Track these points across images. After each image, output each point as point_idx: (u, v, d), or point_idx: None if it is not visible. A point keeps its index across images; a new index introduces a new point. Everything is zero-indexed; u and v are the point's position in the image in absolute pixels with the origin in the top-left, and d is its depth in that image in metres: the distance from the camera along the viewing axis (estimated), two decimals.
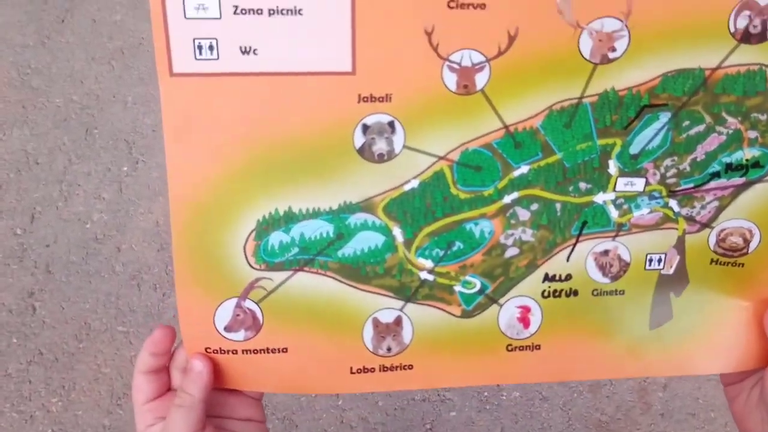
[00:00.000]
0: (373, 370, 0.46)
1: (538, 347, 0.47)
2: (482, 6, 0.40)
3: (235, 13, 0.39)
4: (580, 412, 1.19)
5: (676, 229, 0.46)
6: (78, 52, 1.28)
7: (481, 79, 0.42)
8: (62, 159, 1.26)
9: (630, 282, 0.47)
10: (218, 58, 0.39)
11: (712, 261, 0.47)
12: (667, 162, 0.44)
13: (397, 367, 0.46)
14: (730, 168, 0.45)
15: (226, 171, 0.42)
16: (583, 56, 0.42)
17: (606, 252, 0.46)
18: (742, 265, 0.47)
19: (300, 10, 0.39)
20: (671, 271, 0.47)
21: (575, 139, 0.44)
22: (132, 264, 1.18)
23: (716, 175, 0.45)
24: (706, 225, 0.46)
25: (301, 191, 0.43)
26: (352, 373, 0.46)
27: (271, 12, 0.39)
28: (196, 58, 0.39)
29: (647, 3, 0.41)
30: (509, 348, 0.47)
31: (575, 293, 0.47)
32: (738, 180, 0.45)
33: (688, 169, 0.45)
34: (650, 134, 0.44)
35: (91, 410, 1.21)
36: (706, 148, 0.44)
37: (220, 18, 0.39)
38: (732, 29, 0.42)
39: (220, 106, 0.40)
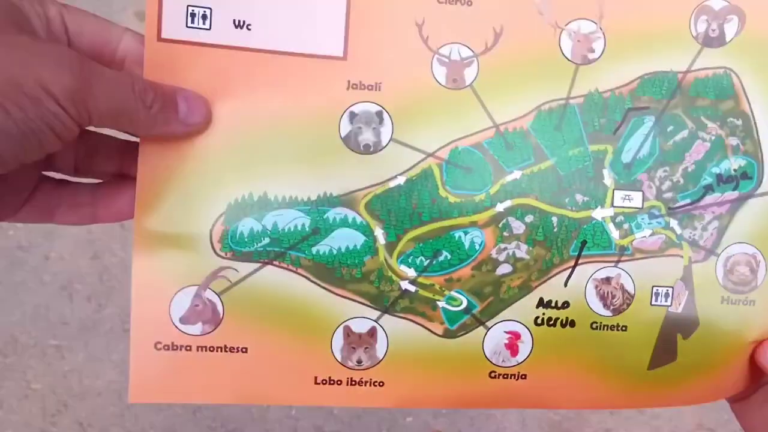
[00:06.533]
0: (339, 382, 0.41)
1: (524, 377, 0.42)
2: (469, 3, 0.41)
3: None
4: (535, 414, 1.18)
5: (682, 257, 0.42)
6: None
7: (470, 74, 0.41)
8: None
9: (634, 318, 0.43)
10: (210, 29, 0.38)
11: (723, 300, 0.43)
12: (660, 173, 0.42)
13: (366, 382, 0.41)
14: (721, 180, 0.43)
15: (199, 144, 0.39)
16: (565, 56, 0.41)
17: (608, 279, 0.42)
18: (753, 302, 0.43)
19: None
20: (680, 309, 0.43)
21: (567, 144, 0.42)
22: (62, 274, 1.10)
23: (710, 188, 0.43)
24: (711, 252, 0.43)
25: (279, 176, 0.40)
26: (316, 383, 0.41)
27: None
28: (187, 26, 0.38)
29: (617, 6, 0.41)
30: (492, 375, 0.42)
31: (572, 324, 0.42)
32: (731, 194, 0.43)
33: (681, 181, 0.42)
34: (639, 140, 0.42)
35: (22, 429, 1.13)
36: (694, 156, 0.42)
37: None
38: (694, 33, 0.42)
39: (204, 78, 0.39)
